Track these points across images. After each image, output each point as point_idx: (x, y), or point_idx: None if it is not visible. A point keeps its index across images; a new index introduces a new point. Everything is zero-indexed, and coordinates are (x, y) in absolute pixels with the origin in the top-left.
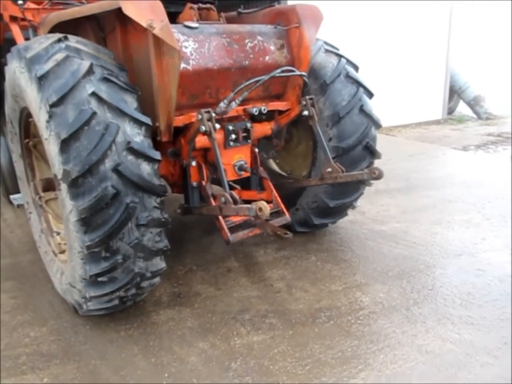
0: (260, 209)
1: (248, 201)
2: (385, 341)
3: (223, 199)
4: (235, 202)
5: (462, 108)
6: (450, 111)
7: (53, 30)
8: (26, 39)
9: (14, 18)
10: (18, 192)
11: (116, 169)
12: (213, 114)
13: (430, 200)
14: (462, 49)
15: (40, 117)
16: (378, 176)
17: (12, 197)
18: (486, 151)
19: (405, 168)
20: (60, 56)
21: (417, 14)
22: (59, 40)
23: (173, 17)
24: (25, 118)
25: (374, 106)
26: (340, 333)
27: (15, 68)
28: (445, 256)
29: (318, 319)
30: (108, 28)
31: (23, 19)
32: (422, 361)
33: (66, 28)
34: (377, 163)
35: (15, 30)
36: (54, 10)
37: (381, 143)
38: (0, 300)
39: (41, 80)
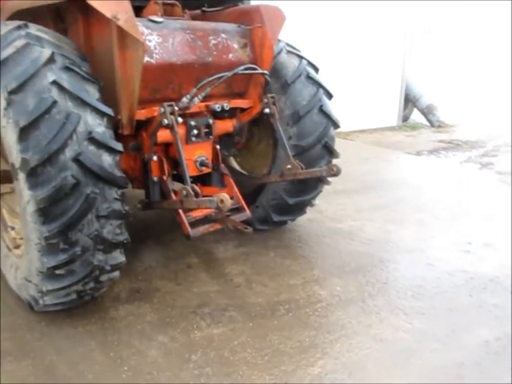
0: (222, 201)
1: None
2: (341, 331)
3: (184, 192)
4: (196, 195)
5: (416, 116)
6: (405, 119)
7: (12, 18)
8: None
9: None
10: None
11: (76, 159)
12: (176, 108)
13: (384, 200)
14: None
15: None
16: (336, 173)
17: None
18: (437, 156)
19: (361, 170)
20: (19, 43)
21: (376, 24)
22: (19, 27)
23: (137, 12)
24: None
25: (333, 110)
26: (298, 324)
27: None
28: (398, 252)
29: (277, 312)
30: (70, 18)
31: None
32: (376, 348)
33: (25, 17)
34: None
35: None
36: None
37: (339, 146)
38: None
39: (0, 66)
